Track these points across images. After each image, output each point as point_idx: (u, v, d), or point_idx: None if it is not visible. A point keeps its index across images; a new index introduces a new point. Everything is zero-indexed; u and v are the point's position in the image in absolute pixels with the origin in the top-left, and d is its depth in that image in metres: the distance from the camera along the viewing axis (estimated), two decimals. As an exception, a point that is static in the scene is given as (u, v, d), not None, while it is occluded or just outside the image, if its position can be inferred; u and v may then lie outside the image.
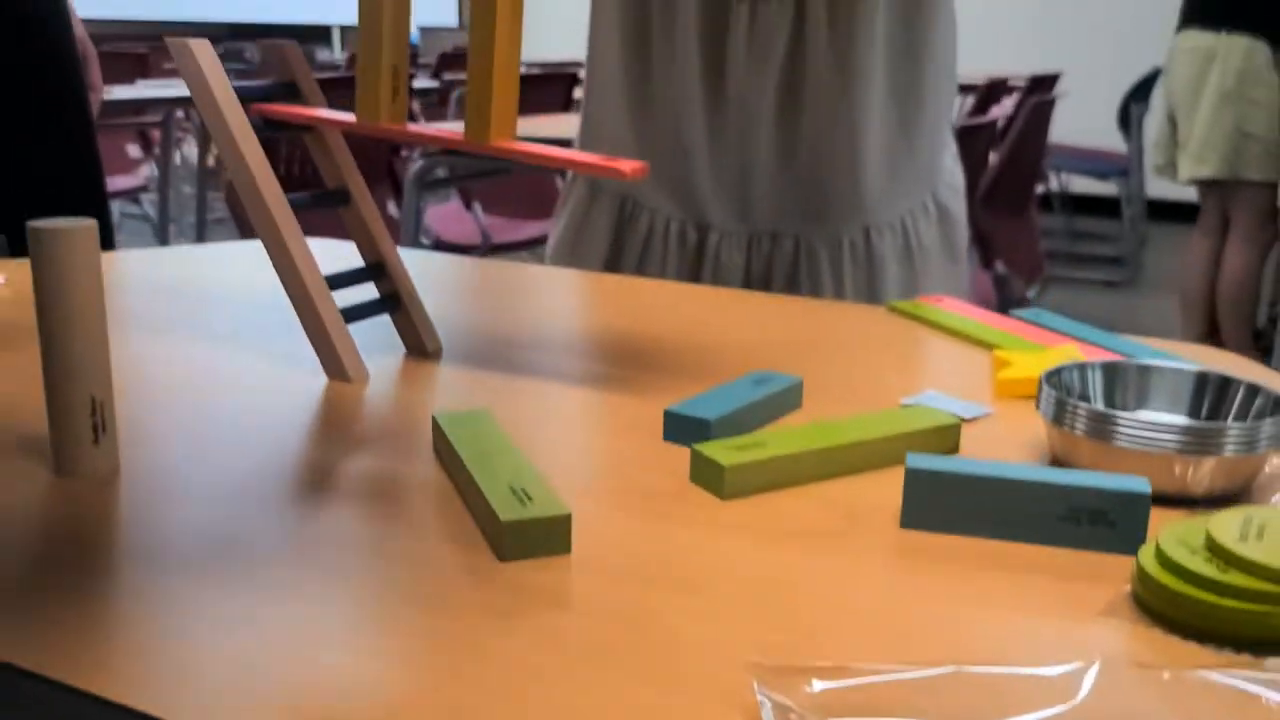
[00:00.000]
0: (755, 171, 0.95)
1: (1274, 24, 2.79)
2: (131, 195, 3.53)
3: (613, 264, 1.02)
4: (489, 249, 2.48)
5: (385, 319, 0.71)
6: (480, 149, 0.56)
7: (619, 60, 0.97)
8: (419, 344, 0.66)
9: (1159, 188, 3.20)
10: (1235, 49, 2.82)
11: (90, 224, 0.44)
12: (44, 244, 0.44)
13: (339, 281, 0.62)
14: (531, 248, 2.76)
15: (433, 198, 2.21)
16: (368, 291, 0.65)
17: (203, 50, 0.58)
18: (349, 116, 0.60)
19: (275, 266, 0.59)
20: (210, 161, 2.95)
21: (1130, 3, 5.76)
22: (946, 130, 1.02)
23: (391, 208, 2.11)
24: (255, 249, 0.94)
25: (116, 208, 4.20)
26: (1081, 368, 0.53)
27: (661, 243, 0.99)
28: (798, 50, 0.90)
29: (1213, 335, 3.12)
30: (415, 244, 1.99)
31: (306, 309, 0.59)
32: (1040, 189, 3.79)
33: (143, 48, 4.40)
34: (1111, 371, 0.53)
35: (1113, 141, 4.75)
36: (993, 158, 2.24)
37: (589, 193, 1.04)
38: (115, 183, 3.42)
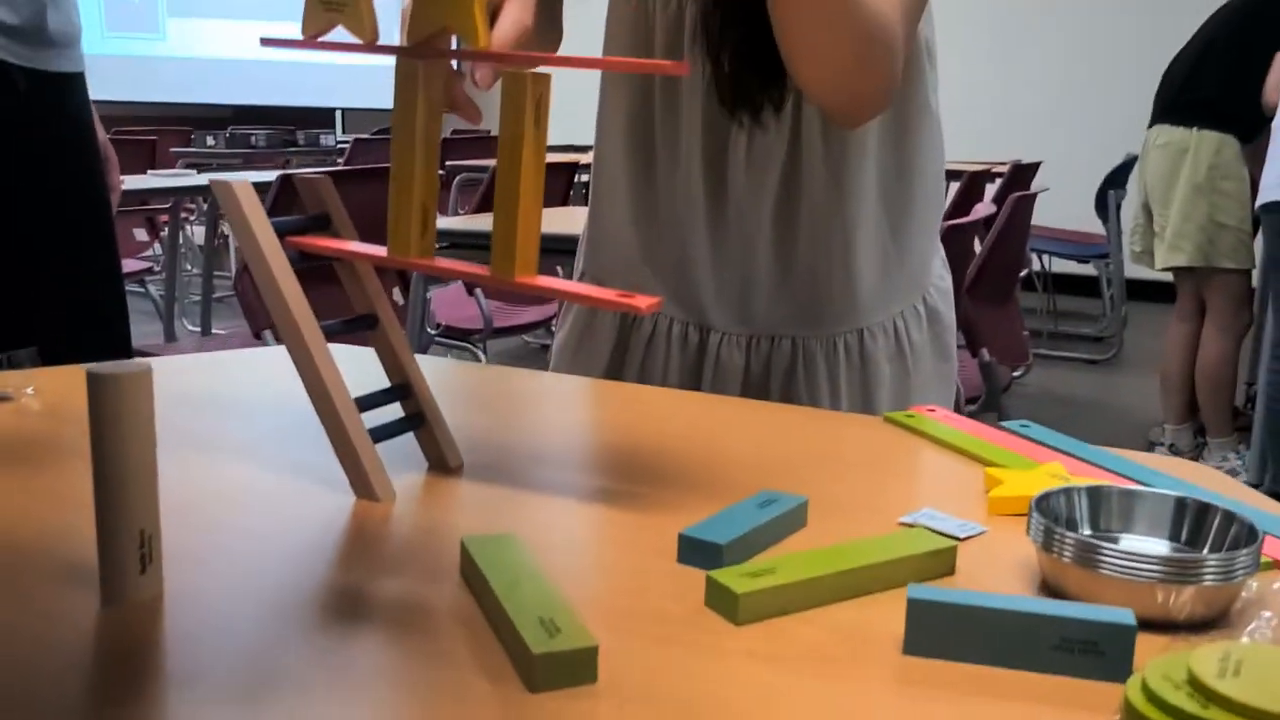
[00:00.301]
0: (755, 279, 0.99)
1: (1241, 121, 2.89)
2: (137, 278, 3.58)
3: (617, 363, 1.05)
4: (491, 333, 2.53)
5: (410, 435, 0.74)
6: (505, 285, 0.60)
7: (625, 173, 1.02)
8: (442, 460, 0.69)
9: (1138, 269, 3.28)
10: (1206, 144, 2.92)
11: (145, 368, 0.48)
12: (101, 389, 0.47)
13: (367, 403, 0.65)
14: (531, 330, 2.80)
15: (436, 282, 2.26)
16: (393, 410, 0.68)
17: (245, 191, 0.63)
18: (380, 250, 0.64)
19: (308, 390, 0.63)
20: (216, 242, 3.01)
21: (1106, 95, 5.94)
22: (934, 238, 1.07)
23: (397, 294, 2.16)
24: (271, 355, 0.98)
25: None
26: (1068, 492, 0.56)
27: (664, 343, 1.03)
28: (794, 169, 0.95)
29: (1193, 415, 3.18)
30: (421, 331, 2.04)
31: (337, 432, 0.63)
32: (1023, 272, 3.87)
33: (151, 133, 4.49)
34: (1096, 496, 0.57)
35: (1092, 224, 4.86)
36: (977, 245, 2.31)
37: None
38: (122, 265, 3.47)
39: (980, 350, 2.13)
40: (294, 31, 0.63)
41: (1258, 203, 2.66)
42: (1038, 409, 3.91)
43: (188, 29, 7.09)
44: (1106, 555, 0.49)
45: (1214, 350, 3.03)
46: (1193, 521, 0.55)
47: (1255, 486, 2.81)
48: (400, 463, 0.69)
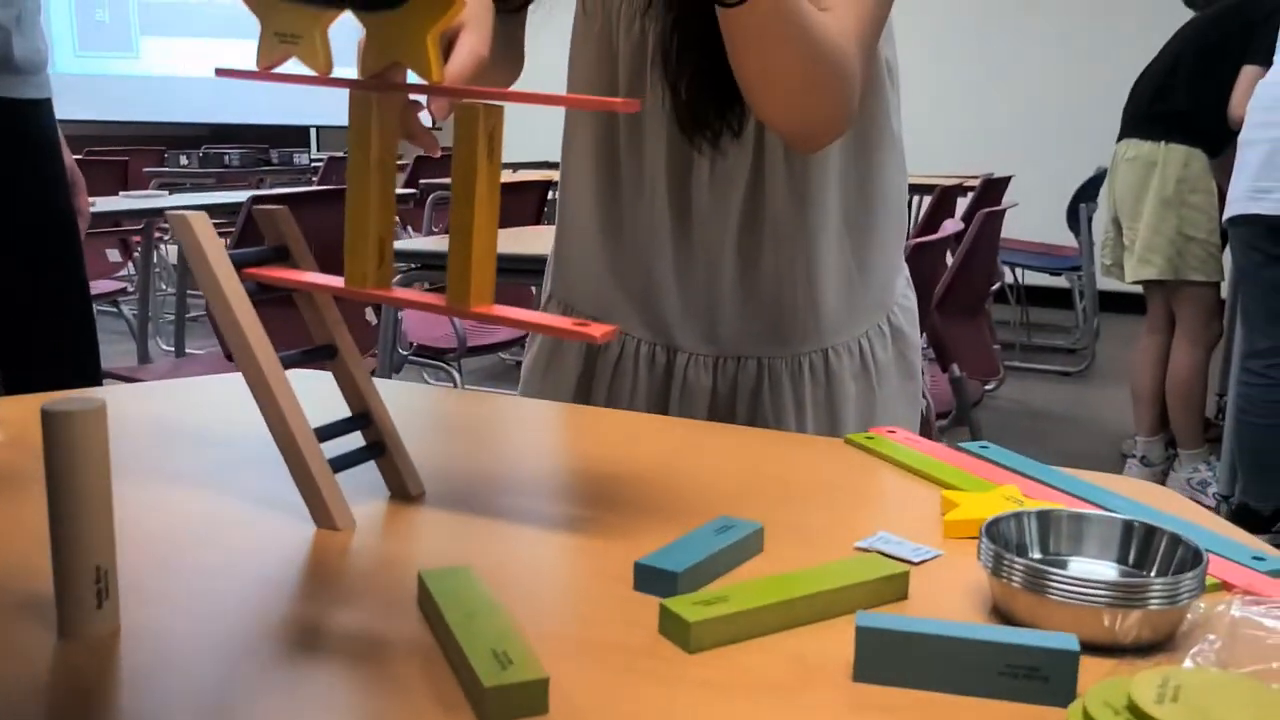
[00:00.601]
0: (720, 300, 1.00)
1: (1209, 135, 2.93)
2: (110, 298, 3.57)
3: (585, 384, 1.06)
4: (465, 351, 2.53)
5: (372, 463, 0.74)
6: (462, 315, 0.61)
7: (591, 195, 1.03)
8: (403, 489, 0.69)
9: (1110, 281, 3.31)
10: (1174, 157, 2.95)
11: (99, 406, 0.48)
12: (55, 427, 0.47)
13: (327, 433, 0.66)
14: (506, 348, 2.80)
15: (404, 304, 2.26)
16: (354, 439, 0.68)
17: (200, 222, 0.63)
18: (338, 281, 0.65)
19: (267, 421, 0.63)
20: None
21: (1076, 108, 6.00)
22: (898, 257, 1.08)
23: (370, 314, 2.16)
24: (235, 380, 0.98)
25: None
26: (1018, 517, 0.57)
27: (632, 364, 1.04)
28: (757, 190, 0.96)
29: (1165, 427, 3.21)
30: (394, 352, 2.04)
31: (297, 463, 0.63)
32: (995, 285, 3.90)
33: (124, 153, 4.47)
34: (1045, 520, 0.58)
35: (1064, 237, 4.90)
36: (949, 258, 2.33)
37: (562, 316, 1.08)
38: (95, 286, 3.45)
39: (950, 365, 2.15)
40: (258, 57, 0.63)
41: (1225, 216, 2.69)
42: (1010, 422, 3.94)
43: (161, 48, 7.07)
44: (1054, 580, 0.50)
45: (1184, 363, 3.06)
46: (1140, 544, 0.56)
47: (1225, 498, 2.84)
48: (361, 491, 0.69)
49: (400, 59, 0.60)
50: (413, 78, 0.62)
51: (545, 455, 0.81)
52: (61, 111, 1.48)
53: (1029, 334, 5.16)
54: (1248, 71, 2.79)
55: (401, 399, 0.94)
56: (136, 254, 3.58)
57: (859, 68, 0.83)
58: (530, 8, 0.96)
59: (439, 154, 0.69)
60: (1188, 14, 3.19)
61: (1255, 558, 0.61)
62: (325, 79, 0.63)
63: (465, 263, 0.60)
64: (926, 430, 2.04)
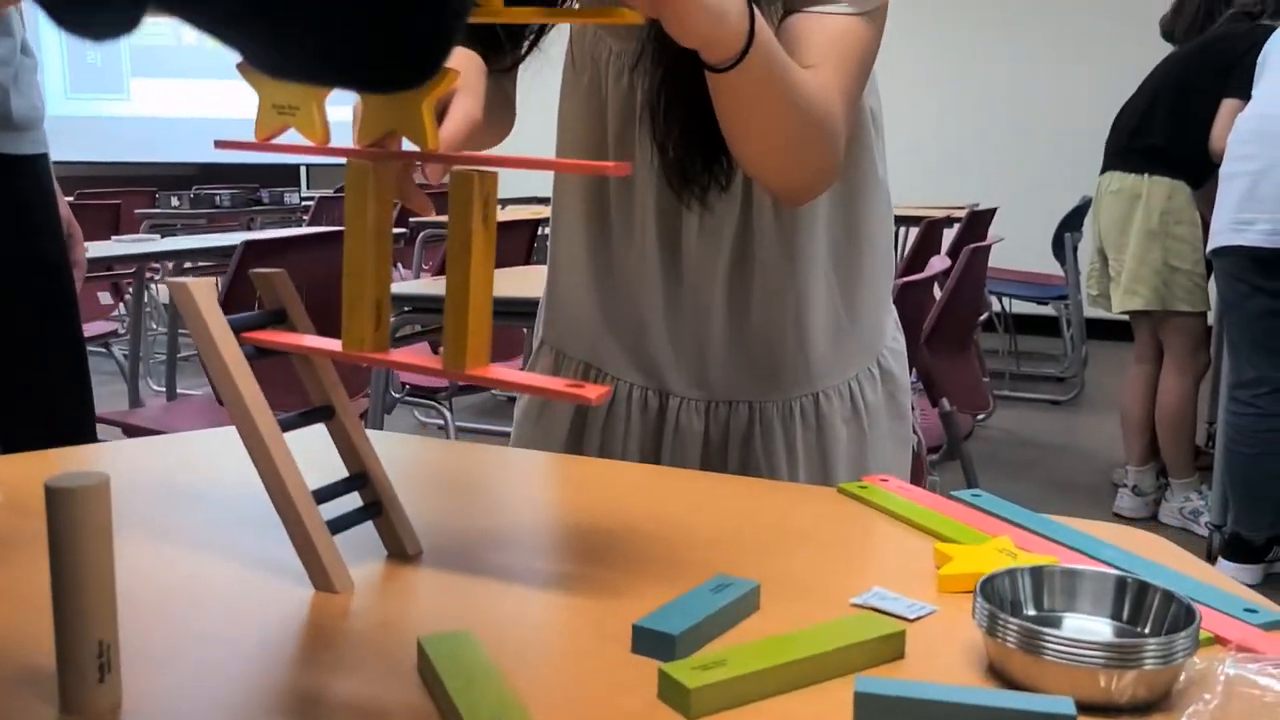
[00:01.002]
0: (711, 345, 1.01)
1: (1191, 167, 2.96)
2: (101, 340, 3.56)
3: (578, 429, 1.06)
4: (456, 390, 2.54)
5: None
6: (457, 378, 0.61)
7: (582, 242, 1.04)
8: (400, 548, 0.69)
9: (1098, 308, 3.34)
10: (1158, 190, 2.98)
11: (103, 481, 0.48)
12: (58, 503, 0.48)
13: (324, 495, 0.66)
14: (493, 391, 2.80)
15: (401, 343, 2.27)
16: (352, 499, 0.69)
17: (200, 290, 0.63)
18: (335, 344, 0.65)
19: (265, 485, 0.63)
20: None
21: (1060, 139, 6.06)
22: (886, 300, 1.09)
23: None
24: (230, 435, 0.98)
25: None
26: (1012, 574, 0.58)
27: (625, 409, 1.04)
28: (745, 237, 0.97)
29: (1155, 456, 3.22)
30: (386, 393, 2.05)
31: (295, 525, 0.63)
32: (983, 315, 3.92)
33: (115, 195, 4.48)
34: (1039, 576, 0.58)
35: (1051, 265, 4.94)
36: (937, 290, 2.35)
37: (554, 361, 1.09)
38: (86, 329, 3.44)
39: (940, 400, 2.16)
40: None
41: (1209, 248, 2.72)
42: (1001, 452, 3.95)
43: (151, 89, 7.10)
44: (1049, 641, 0.50)
45: (1173, 393, 3.07)
46: (1134, 600, 0.57)
47: (1218, 527, 2.85)
48: (359, 551, 0.69)
49: (396, 128, 0.61)
50: (408, 144, 0.63)
51: (540, 509, 0.81)
52: (54, 153, 1.49)
53: (1018, 362, 5.19)
54: (1227, 104, 2.83)
55: (395, 451, 0.94)
56: (128, 296, 3.58)
57: (844, 123, 0.84)
58: (521, 65, 0.97)
59: (432, 214, 0.70)
60: (1167, 48, 3.24)
61: (1247, 609, 0.61)
62: (323, 149, 0.64)
63: (461, 326, 0.60)
64: (918, 466, 2.04)
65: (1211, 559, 2.83)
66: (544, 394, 0.61)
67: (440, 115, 0.70)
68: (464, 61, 0.79)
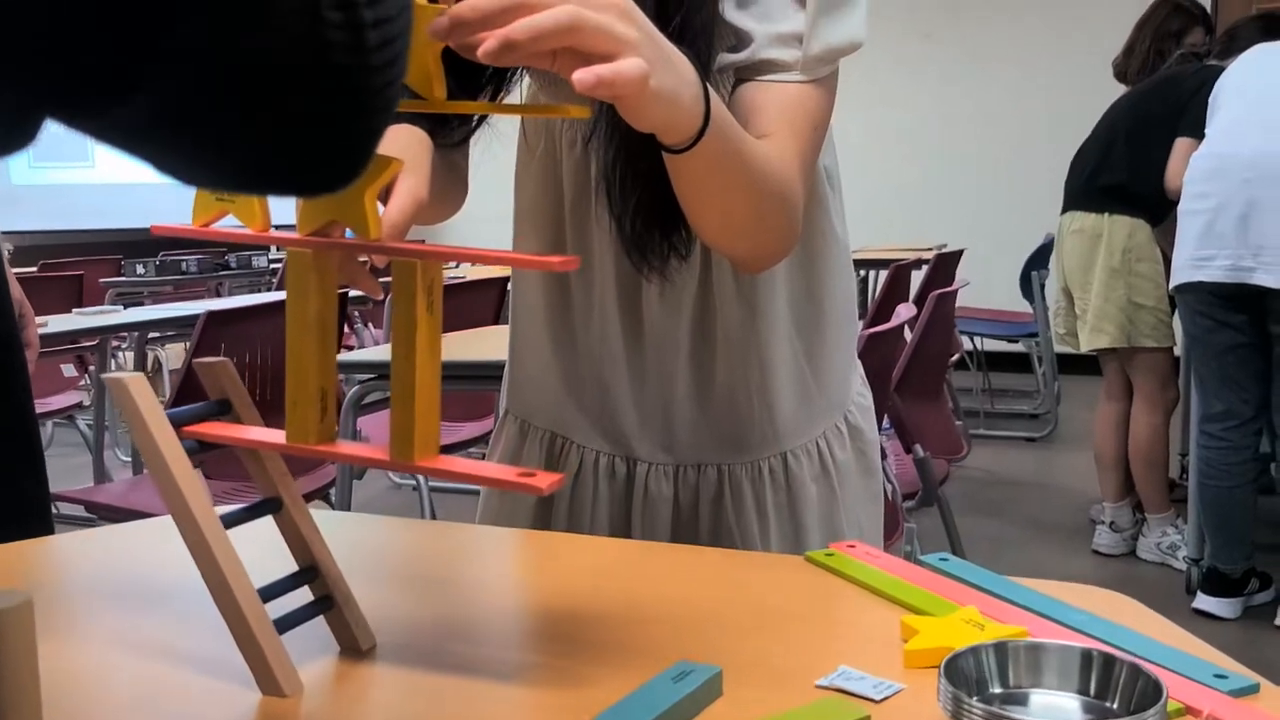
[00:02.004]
0: (676, 409, 1.00)
1: (1149, 205, 3.00)
2: (66, 413, 3.52)
3: (546, 499, 1.05)
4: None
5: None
6: (406, 469, 0.60)
7: (542, 311, 1.03)
8: (353, 643, 0.67)
9: (1067, 346, 3.35)
10: (1119, 228, 3.01)
11: (24, 601, 0.46)
12: (-17, 622, 0.46)
13: (272, 591, 0.64)
14: (465, 449, 2.78)
15: (366, 410, 2.25)
16: (301, 594, 0.67)
17: (138, 385, 0.62)
18: (279, 436, 0.64)
19: (208, 584, 0.61)
20: (150, 373, 2.96)
21: (1022, 179, 6.15)
22: (851, 356, 1.09)
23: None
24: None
25: (49, 425, 4.16)
26: (976, 651, 0.57)
27: (592, 476, 1.03)
28: (706, 300, 0.97)
29: (1131, 492, 3.23)
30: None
31: (240, 627, 0.61)
32: (955, 356, 3.94)
33: (79, 265, 4.45)
34: (1004, 652, 0.57)
35: (1019, 303, 4.98)
36: (908, 333, 2.35)
37: (519, 431, 1.08)
38: (50, 403, 3.40)
39: (914, 446, 2.15)
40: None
41: (1171, 285, 2.75)
42: (978, 491, 3.94)
43: (115, 156, 7.05)
44: (1014, 724, 0.49)
45: (1145, 429, 3.09)
46: (1100, 674, 0.56)
47: (1195, 561, 2.85)
48: (310, 648, 0.67)
49: (338, 218, 0.60)
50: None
51: (502, 593, 0.79)
52: (17, 223, 1.47)
53: (991, 400, 5.21)
54: (1180, 143, 2.87)
55: (351, 535, 0.93)
56: (91, 368, 3.54)
57: (802, 190, 0.84)
58: (471, 139, 0.97)
59: (381, 296, 0.69)
60: (1120, 88, 3.29)
61: (1217, 675, 0.60)
62: (263, 236, 0.63)
63: (409, 418, 0.59)
64: (893, 515, 2.03)
65: (1190, 592, 2.83)
66: (496, 484, 0.59)
67: (385, 193, 0.69)
68: (408, 138, 0.78)
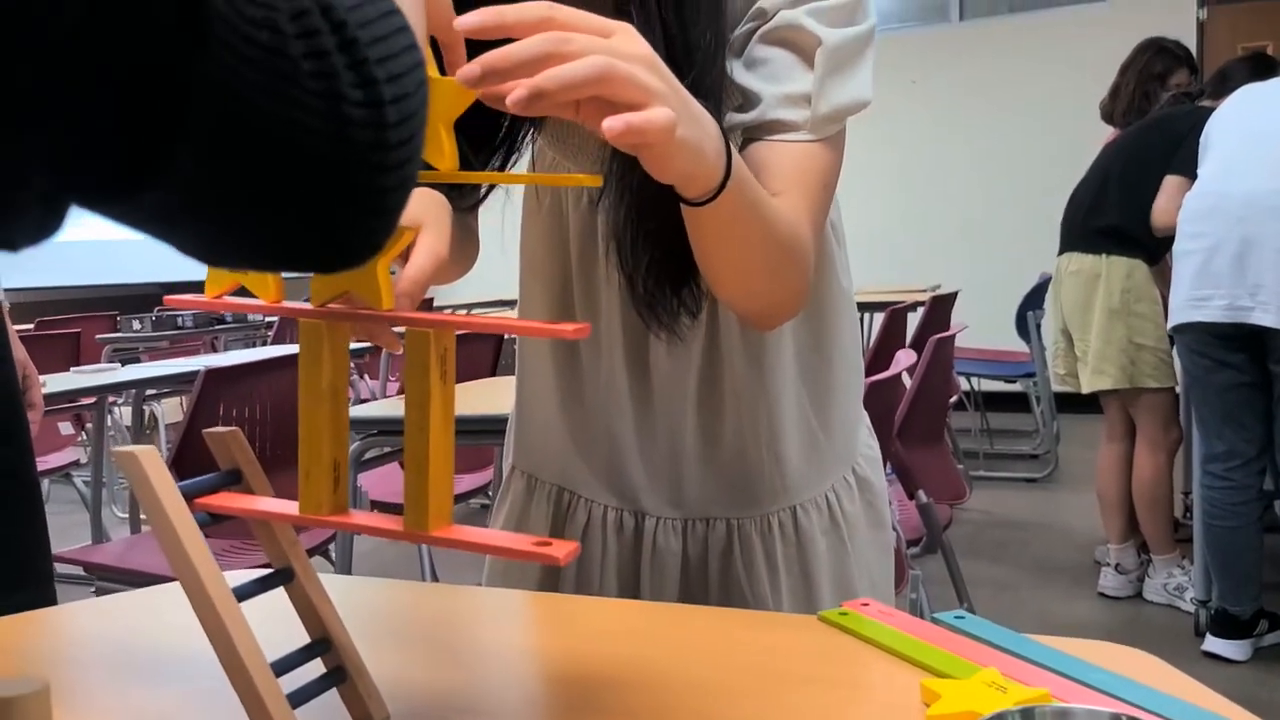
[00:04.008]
0: (684, 461, 0.99)
1: (1145, 246, 3.02)
2: (63, 471, 3.50)
3: None
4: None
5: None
6: (420, 540, 0.59)
7: (550, 366, 1.03)
8: (366, 716, 0.66)
9: (1066, 386, 3.35)
10: (1116, 269, 3.03)
11: (42, 689, 0.46)
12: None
13: (284, 665, 0.63)
14: (465, 500, 2.77)
15: (367, 466, 2.24)
16: (313, 666, 0.66)
17: (149, 458, 0.61)
18: (292, 507, 0.63)
19: (221, 660, 0.60)
20: (147, 430, 2.95)
21: (1017, 220, 6.19)
22: (858, 409, 1.09)
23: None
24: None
25: (45, 483, 4.14)
26: (1003, 718, 0.56)
27: (600, 531, 1.02)
28: (713, 356, 0.97)
29: (1136, 532, 3.21)
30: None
31: (254, 703, 0.60)
32: (954, 398, 3.94)
33: (75, 323, 4.45)
34: (1030, 719, 0.56)
35: (1015, 342, 4.99)
36: (907, 379, 2.35)
37: (527, 486, 1.07)
38: (46, 460, 3.38)
39: (917, 492, 2.14)
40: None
41: (1169, 325, 2.75)
42: (981, 534, 3.93)
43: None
44: (1044, 795, 0.48)
45: (1148, 470, 3.08)
46: (1128, 738, 0.55)
47: (1204, 603, 2.83)
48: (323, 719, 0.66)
49: (351, 288, 0.60)
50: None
51: (512, 660, 0.78)
52: (13, 281, 1.47)
53: (991, 441, 5.20)
54: (1170, 181, 2.89)
55: (358, 598, 0.92)
56: (88, 425, 3.53)
57: (813, 249, 0.84)
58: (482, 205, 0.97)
59: (399, 350, 0.69)
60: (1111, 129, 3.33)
61: (1243, 735, 0.60)
62: (277, 308, 0.63)
63: (422, 488, 0.59)
64: (899, 564, 2.02)
65: (1199, 635, 2.81)
66: (510, 555, 0.59)
67: (406, 251, 0.69)
68: (427, 199, 0.78)
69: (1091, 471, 3.33)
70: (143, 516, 3.43)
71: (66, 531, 3.61)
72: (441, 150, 0.58)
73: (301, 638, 0.66)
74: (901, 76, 6.42)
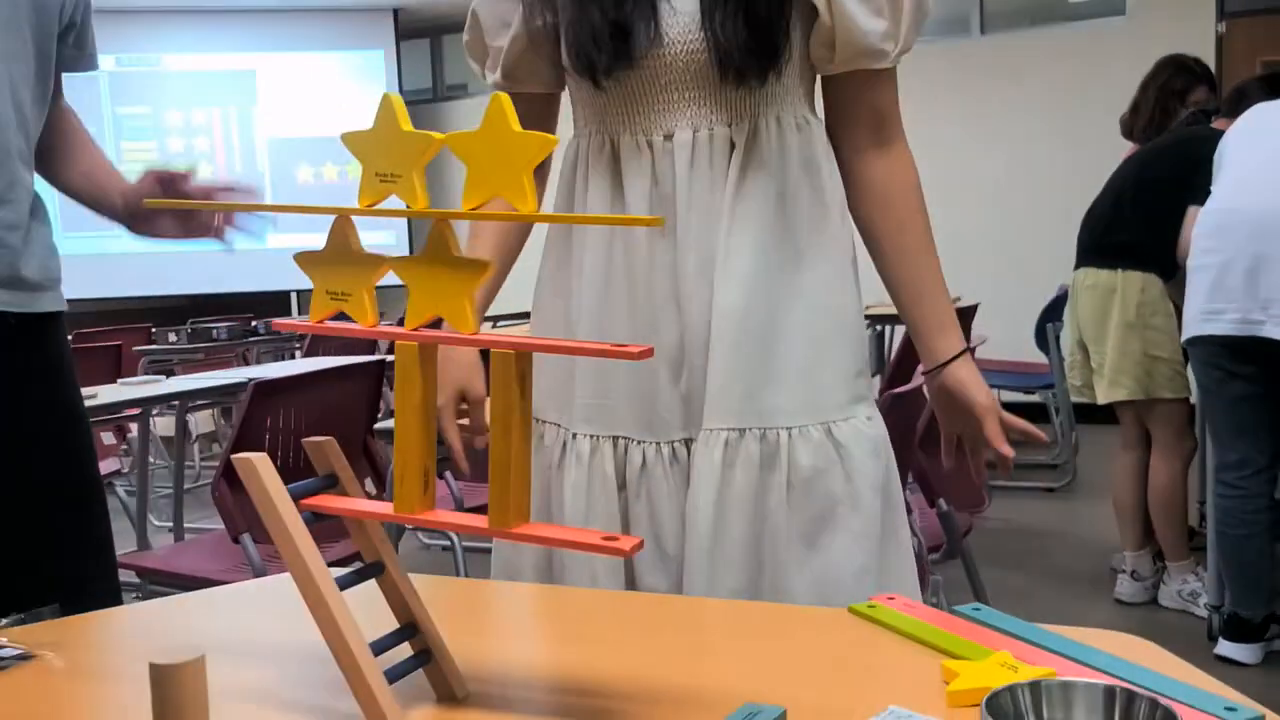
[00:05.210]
0: (710, 370, 1.15)
1: (1160, 262, 3.08)
2: (105, 480, 3.61)
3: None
4: (462, 508, 2.60)
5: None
6: (505, 536, 0.68)
7: (597, 312, 1.19)
8: (450, 693, 0.75)
9: (1083, 398, 3.41)
10: (1131, 284, 3.09)
11: (198, 659, 0.54)
12: (164, 679, 0.54)
13: (379, 646, 0.72)
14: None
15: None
16: (402, 649, 0.74)
17: (264, 465, 0.70)
18: (387, 507, 0.72)
19: (328, 641, 0.69)
20: (194, 442, 3.05)
21: (1037, 232, 6.24)
22: (856, 366, 1.25)
23: (370, 485, 2.22)
24: (267, 590, 1.04)
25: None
26: (1013, 689, 0.64)
27: (659, 467, 1.16)
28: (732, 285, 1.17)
29: (1151, 540, 3.27)
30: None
31: (356, 678, 0.69)
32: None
33: (114, 334, 4.57)
34: (1038, 691, 0.64)
35: (1034, 354, 5.04)
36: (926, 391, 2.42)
37: (591, 447, 1.19)
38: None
39: (938, 500, 2.22)
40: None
41: (1183, 338, 2.82)
42: (1000, 542, 3.99)
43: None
44: (1048, 752, 0.56)
45: (1163, 478, 3.14)
46: (1123, 707, 0.63)
47: (1217, 608, 2.88)
48: (410, 697, 0.75)
49: (442, 314, 0.69)
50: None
51: (571, 645, 0.87)
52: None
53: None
54: (1192, 211, 2.92)
55: (430, 593, 1.00)
56: (130, 434, 3.64)
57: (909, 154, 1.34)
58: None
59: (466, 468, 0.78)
60: (1129, 144, 3.39)
61: (1227, 708, 0.68)
62: (373, 331, 0.72)
63: (505, 490, 0.67)
64: (921, 568, 2.09)
65: (1212, 639, 2.86)
66: (581, 548, 0.67)
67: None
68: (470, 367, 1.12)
69: (1109, 482, 3.39)
70: (186, 525, 3.54)
71: (107, 539, 3.71)
72: (524, 195, 0.66)
73: (385, 625, 0.75)
74: (922, 90, 6.49)
